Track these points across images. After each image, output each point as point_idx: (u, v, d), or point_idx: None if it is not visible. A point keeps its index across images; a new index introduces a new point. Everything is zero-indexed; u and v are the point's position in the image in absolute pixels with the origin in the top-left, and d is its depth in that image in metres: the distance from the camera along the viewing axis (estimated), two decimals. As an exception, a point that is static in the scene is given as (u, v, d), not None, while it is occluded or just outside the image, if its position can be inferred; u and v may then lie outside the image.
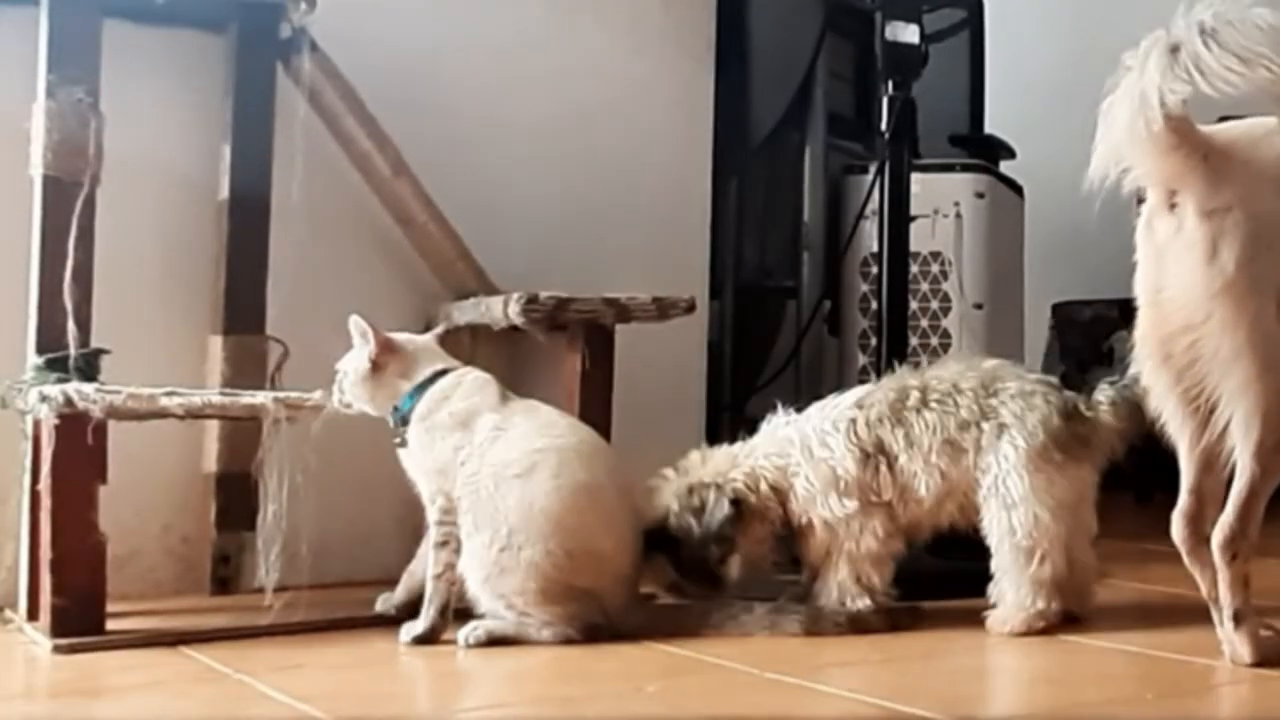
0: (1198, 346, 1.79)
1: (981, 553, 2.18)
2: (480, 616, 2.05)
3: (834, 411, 2.23)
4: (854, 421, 2.20)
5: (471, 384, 2.14)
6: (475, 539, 2.04)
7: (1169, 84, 1.69)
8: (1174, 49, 1.69)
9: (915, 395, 2.19)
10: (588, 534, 2.05)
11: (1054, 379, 2.24)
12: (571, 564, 2.02)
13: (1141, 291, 1.86)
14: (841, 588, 2.19)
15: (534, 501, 2.02)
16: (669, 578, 2.23)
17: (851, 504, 2.18)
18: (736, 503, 2.19)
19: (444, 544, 2.08)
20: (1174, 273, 1.80)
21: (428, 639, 2.05)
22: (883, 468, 2.19)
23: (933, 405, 2.18)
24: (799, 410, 2.27)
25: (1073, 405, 2.16)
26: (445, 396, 2.11)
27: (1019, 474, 2.12)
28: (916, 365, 2.32)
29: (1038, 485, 2.12)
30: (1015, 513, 2.12)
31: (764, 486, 2.20)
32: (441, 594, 2.07)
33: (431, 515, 2.10)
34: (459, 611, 2.07)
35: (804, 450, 2.21)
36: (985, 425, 2.15)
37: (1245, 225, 1.76)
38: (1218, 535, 1.83)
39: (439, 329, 2.32)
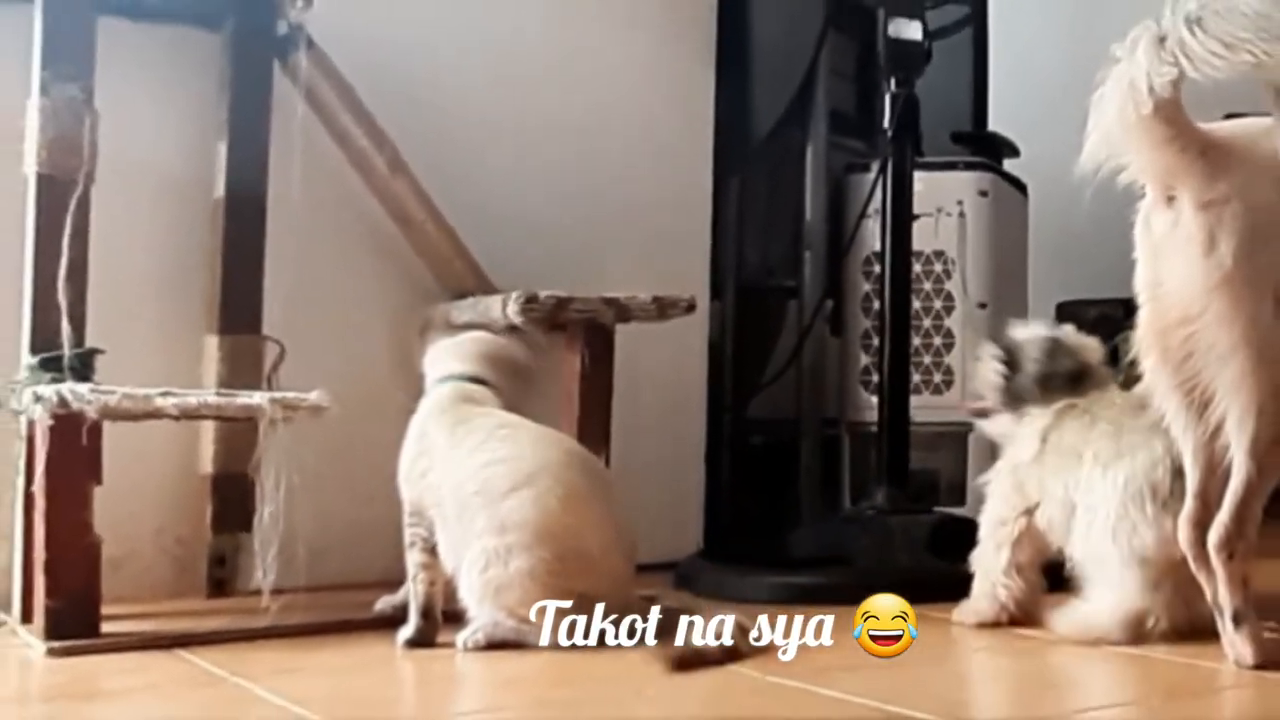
0: (1194, 340, 1.78)
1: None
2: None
3: None
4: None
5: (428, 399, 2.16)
6: (459, 561, 2.02)
7: (1156, 69, 1.69)
8: (1161, 39, 1.70)
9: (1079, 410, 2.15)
10: (571, 536, 2.01)
11: None
12: (564, 568, 1.99)
13: (1141, 288, 1.84)
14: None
15: (505, 518, 1.99)
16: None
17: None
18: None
19: (411, 545, 2.08)
20: (1171, 266, 1.79)
21: (418, 643, 2.04)
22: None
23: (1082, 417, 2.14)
24: None
25: None
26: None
27: (1110, 508, 2.03)
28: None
29: (1120, 529, 2.02)
30: (1088, 542, 2.05)
31: None
32: (418, 596, 2.06)
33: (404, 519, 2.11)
34: (451, 614, 2.05)
35: None
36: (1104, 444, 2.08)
37: (1244, 218, 1.74)
38: (1214, 534, 1.81)
39: None
